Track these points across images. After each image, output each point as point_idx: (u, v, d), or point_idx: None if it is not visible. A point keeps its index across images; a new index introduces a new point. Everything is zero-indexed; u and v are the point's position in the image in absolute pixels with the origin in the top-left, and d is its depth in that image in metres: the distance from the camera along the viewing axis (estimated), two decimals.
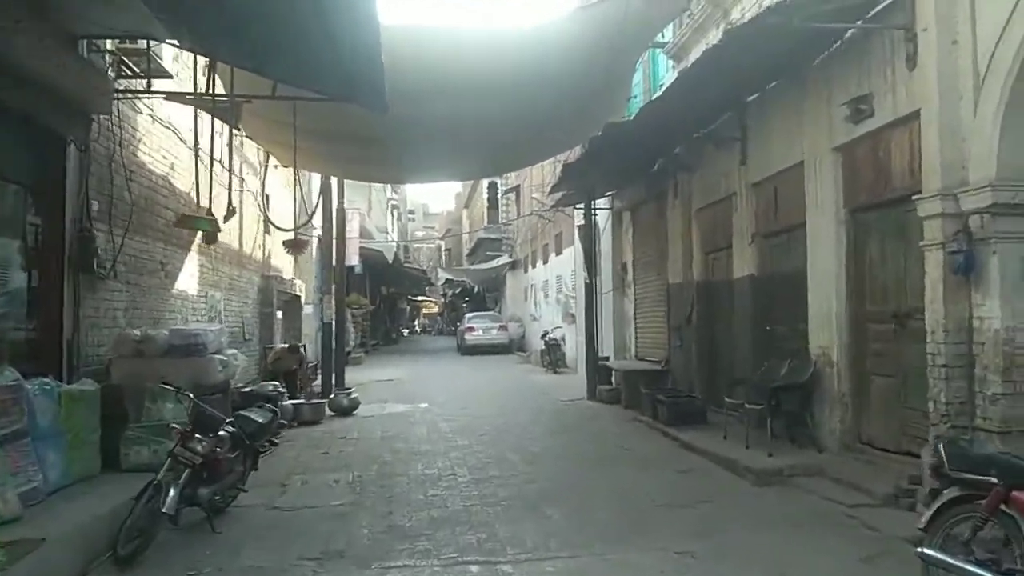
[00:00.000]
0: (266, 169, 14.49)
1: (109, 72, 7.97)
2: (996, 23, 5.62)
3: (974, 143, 5.87)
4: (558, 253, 23.08)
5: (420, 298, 63.40)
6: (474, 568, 5.15)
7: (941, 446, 4.34)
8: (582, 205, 15.62)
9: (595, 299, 15.55)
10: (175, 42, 7.73)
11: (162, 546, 5.54)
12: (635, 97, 13.26)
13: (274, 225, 14.43)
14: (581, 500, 6.94)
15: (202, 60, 8.20)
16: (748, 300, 10.02)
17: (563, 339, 21.43)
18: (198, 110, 8.64)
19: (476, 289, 43.48)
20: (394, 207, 46.63)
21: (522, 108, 8.69)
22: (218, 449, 6.15)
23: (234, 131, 11.23)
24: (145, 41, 7.96)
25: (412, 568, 5.18)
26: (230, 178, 8.26)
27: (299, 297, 18.23)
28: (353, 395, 13.45)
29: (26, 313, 7.02)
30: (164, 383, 6.73)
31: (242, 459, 6.68)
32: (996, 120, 5.65)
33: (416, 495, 7.27)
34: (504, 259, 34.73)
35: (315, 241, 18.63)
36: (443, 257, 63.66)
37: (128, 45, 8.15)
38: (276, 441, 7.90)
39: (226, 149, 8.79)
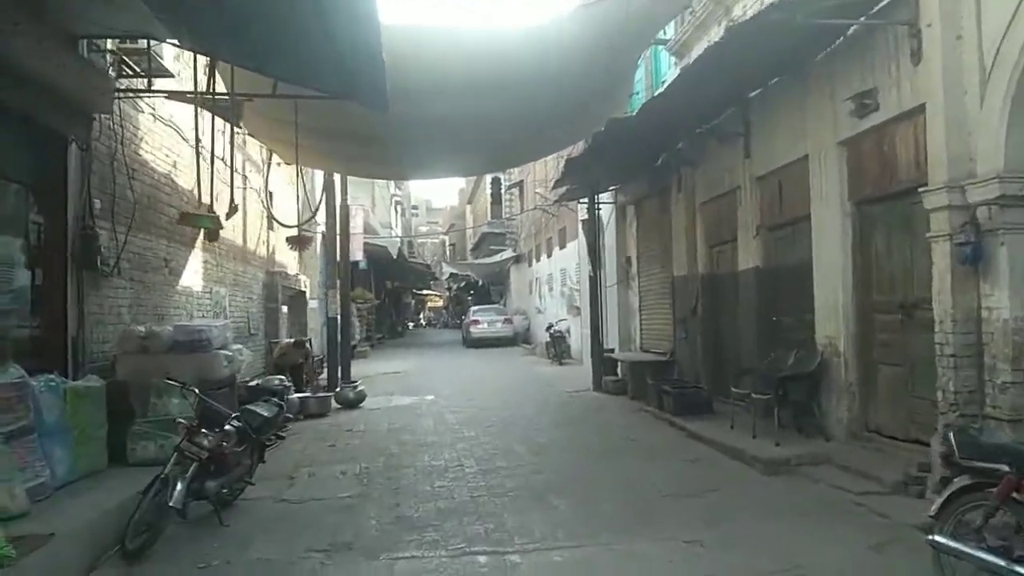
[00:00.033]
0: (269, 166, 14.51)
1: (110, 71, 7.97)
2: (1001, 18, 5.61)
3: (980, 136, 5.85)
4: (562, 247, 23.07)
5: (425, 292, 63.46)
6: (482, 558, 5.14)
7: (951, 434, 4.32)
8: (586, 200, 15.60)
9: (600, 292, 15.54)
10: (175, 42, 7.72)
11: (170, 540, 5.55)
12: (637, 94, 13.22)
13: (278, 222, 14.43)
14: (588, 490, 6.93)
15: (203, 59, 8.18)
16: (753, 292, 10.00)
17: (568, 331, 21.43)
18: (199, 108, 8.63)
19: (481, 283, 43.51)
20: (398, 203, 46.61)
21: (523, 106, 8.66)
22: (224, 443, 6.15)
23: (236, 129, 11.29)
24: (145, 41, 7.95)
25: (420, 559, 5.18)
26: (231, 176, 8.26)
27: (304, 292, 18.24)
28: (359, 388, 13.47)
29: (30, 311, 7.01)
30: (169, 379, 6.74)
31: (249, 453, 6.69)
32: (1003, 113, 5.64)
33: (423, 486, 7.27)
34: (508, 253, 34.73)
35: (319, 237, 18.63)
36: (447, 252, 63.69)
37: (128, 45, 8.14)
38: (283, 434, 7.90)
39: (228, 147, 8.81)
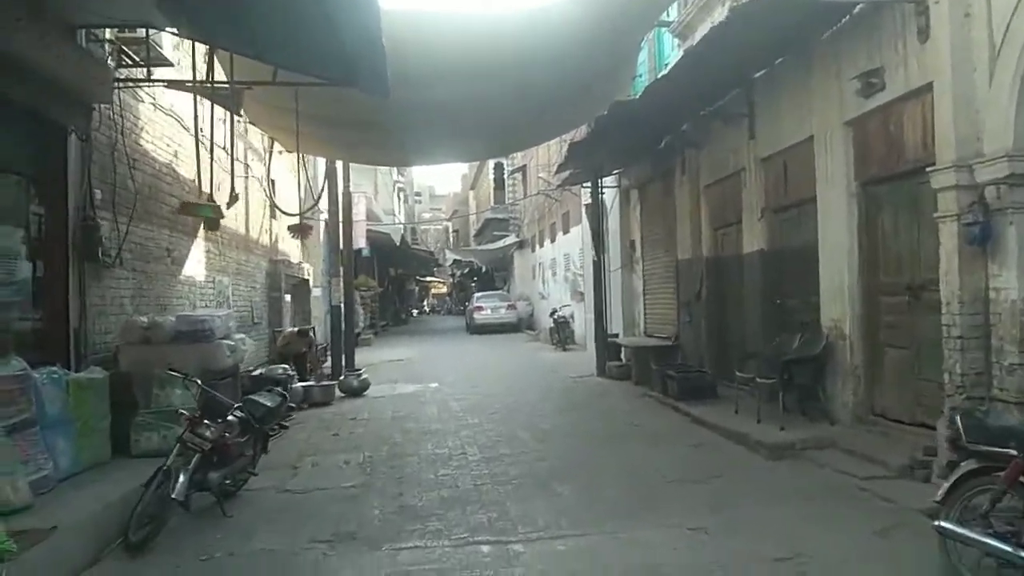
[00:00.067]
0: (271, 155, 14.45)
1: (109, 61, 7.90)
2: None
3: (989, 114, 5.75)
4: (565, 232, 22.98)
5: (428, 279, 63.45)
6: (485, 548, 5.13)
7: (958, 418, 4.28)
8: (589, 184, 15.51)
9: (603, 276, 15.48)
10: (174, 30, 7.65)
11: (173, 531, 5.55)
12: (640, 76, 13.08)
13: (280, 210, 14.41)
14: (592, 477, 6.91)
15: (203, 47, 8.11)
16: (758, 275, 9.93)
17: (572, 317, 21.40)
18: (199, 97, 8.56)
19: (484, 269, 43.45)
20: (400, 190, 46.49)
21: (525, 90, 8.58)
22: (227, 434, 6.14)
23: (237, 118, 11.22)
24: (145, 30, 7.88)
25: (423, 549, 5.16)
26: (232, 164, 8.22)
27: (307, 280, 18.22)
28: (363, 376, 13.48)
29: (32, 303, 6.99)
30: (171, 369, 6.71)
31: (252, 443, 6.68)
32: (1013, 91, 5.53)
33: (427, 475, 7.26)
34: (511, 239, 34.65)
35: (322, 225, 18.59)
36: (450, 238, 63.61)
37: (127, 34, 8.08)
38: (286, 424, 7.92)
39: (229, 136, 8.75)
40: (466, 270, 49.71)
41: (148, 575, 4.94)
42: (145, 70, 8.35)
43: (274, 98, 8.63)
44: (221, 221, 9.50)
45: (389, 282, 40.22)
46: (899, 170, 7.10)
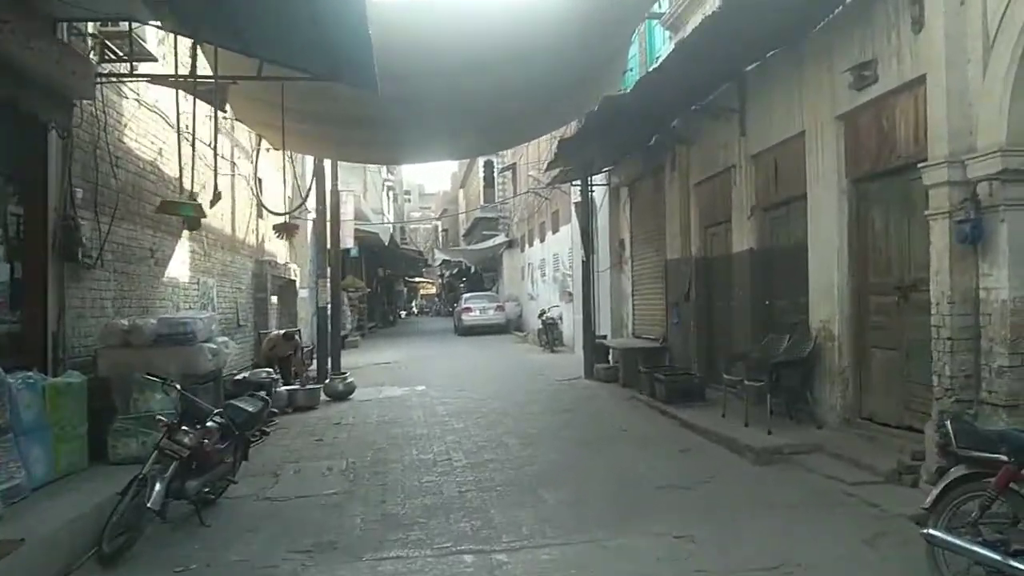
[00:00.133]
0: (258, 152, 14.30)
1: (91, 56, 7.76)
2: None
3: (983, 108, 5.66)
4: (555, 231, 22.90)
5: (417, 279, 63.26)
6: (468, 557, 5.02)
7: (949, 423, 4.22)
8: (579, 182, 15.42)
9: (592, 277, 15.41)
10: (158, 23, 7.51)
11: (150, 540, 5.42)
12: (631, 70, 13.00)
13: (267, 209, 14.25)
14: (578, 483, 6.83)
15: (187, 41, 7.98)
16: (747, 274, 9.87)
17: (560, 318, 21.32)
18: (182, 92, 8.43)
19: (473, 269, 43.33)
20: (389, 188, 46.25)
21: (515, 84, 8.50)
22: (206, 441, 6.00)
23: (224, 115, 11.08)
24: (128, 23, 7.74)
25: (404, 559, 5.05)
26: (216, 161, 8.08)
27: (294, 281, 18.07)
28: (349, 380, 13.33)
29: (8, 305, 6.85)
30: (149, 374, 6.60)
31: (232, 450, 6.55)
32: (1007, 83, 5.44)
33: (411, 482, 7.15)
34: (501, 238, 34.55)
35: (309, 224, 18.44)
36: (440, 238, 63.41)
37: (110, 28, 7.95)
38: (267, 430, 7.79)
39: (213, 132, 8.62)
40: (455, 270, 49.59)
41: None
42: (128, 65, 8.20)
43: (261, 94, 8.52)
44: (207, 221, 9.38)
45: (377, 283, 40.04)
46: (890, 166, 7.04)
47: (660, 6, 11.91)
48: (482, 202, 39.68)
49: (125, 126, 8.72)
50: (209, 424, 6.22)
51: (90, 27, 7.73)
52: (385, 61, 6.15)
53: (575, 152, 13.16)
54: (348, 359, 17.03)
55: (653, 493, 6.42)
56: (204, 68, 7.83)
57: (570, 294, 19.71)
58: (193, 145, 7.64)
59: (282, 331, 14.01)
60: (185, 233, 10.40)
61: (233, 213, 13.42)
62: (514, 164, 30.79)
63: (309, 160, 16.14)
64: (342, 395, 12.89)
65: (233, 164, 13.27)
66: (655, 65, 10.86)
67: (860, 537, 5.03)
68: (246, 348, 13.82)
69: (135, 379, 7.13)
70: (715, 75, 9.51)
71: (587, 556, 4.97)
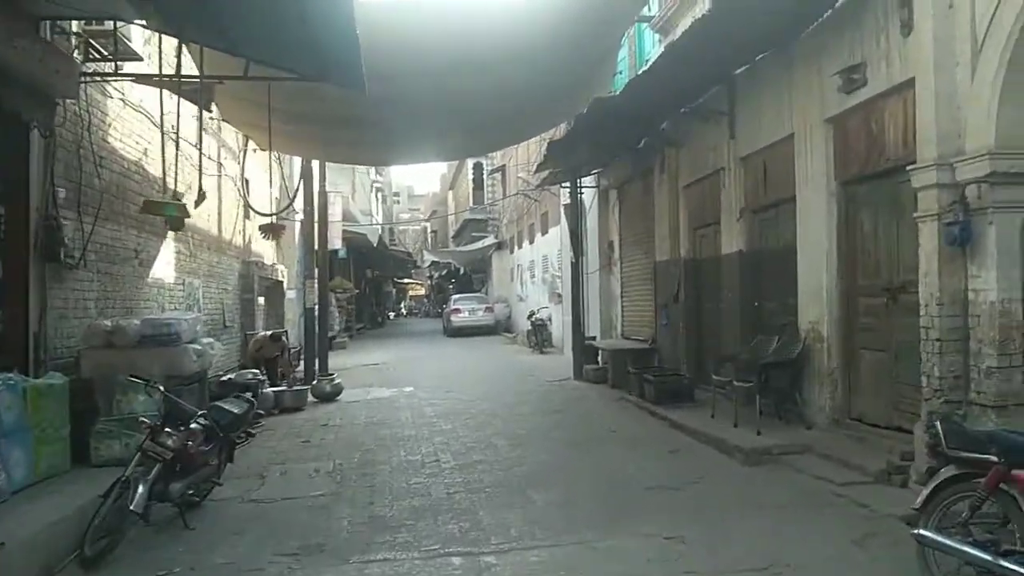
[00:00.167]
0: (245, 153, 14.20)
1: (75, 54, 7.66)
2: None
3: (971, 111, 5.68)
4: (544, 233, 22.88)
5: (406, 281, 63.07)
6: (456, 560, 4.97)
7: (938, 424, 4.21)
8: (568, 184, 15.39)
9: (581, 278, 15.39)
10: (143, 22, 7.43)
11: (133, 544, 5.35)
12: (621, 73, 13.00)
13: (254, 210, 14.14)
14: (568, 484, 6.79)
15: (174, 41, 7.89)
16: (736, 276, 9.87)
17: (549, 319, 21.30)
18: (168, 92, 8.34)
19: (462, 271, 43.25)
20: (378, 190, 46.12)
21: (505, 85, 8.45)
22: (190, 442, 5.92)
23: (211, 115, 10.98)
24: (112, 22, 7.65)
25: (392, 562, 5.00)
26: (200, 161, 7.99)
27: (281, 282, 17.95)
28: (336, 381, 13.24)
29: None
30: (132, 376, 6.51)
31: (217, 452, 6.46)
32: (995, 86, 5.46)
33: (398, 483, 7.09)
34: (490, 240, 34.50)
35: (297, 225, 18.32)
36: (429, 239, 63.28)
37: (95, 27, 7.85)
38: (253, 432, 7.70)
39: (198, 132, 8.52)
40: (444, 272, 49.49)
41: None
42: (113, 64, 8.11)
43: (247, 94, 8.44)
44: (193, 221, 9.29)
45: (366, 284, 39.89)
46: (879, 169, 7.05)
47: (650, 9, 11.91)
48: (471, 204, 39.62)
49: (109, 126, 8.62)
50: (193, 426, 6.14)
51: (74, 26, 7.63)
52: (371, 61, 6.10)
53: (564, 154, 13.14)
54: (336, 360, 16.93)
55: (643, 494, 6.39)
56: (190, 68, 7.75)
57: (559, 295, 19.68)
58: (177, 144, 7.57)
59: (269, 332, 13.90)
60: (171, 234, 10.30)
61: (220, 214, 13.31)
62: (503, 166, 30.76)
63: (297, 161, 16.03)
64: (329, 396, 12.80)
65: (220, 165, 13.16)
66: (645, 67, 10.85)
67: (850, 537, 5.03)
68: (232, 349, 13.70)
69: (118, 380, 7.04)
70: (704, 78, 9.51)
71: (576, 558, 4.93)
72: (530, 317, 21.82)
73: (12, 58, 6.17)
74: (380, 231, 35.21)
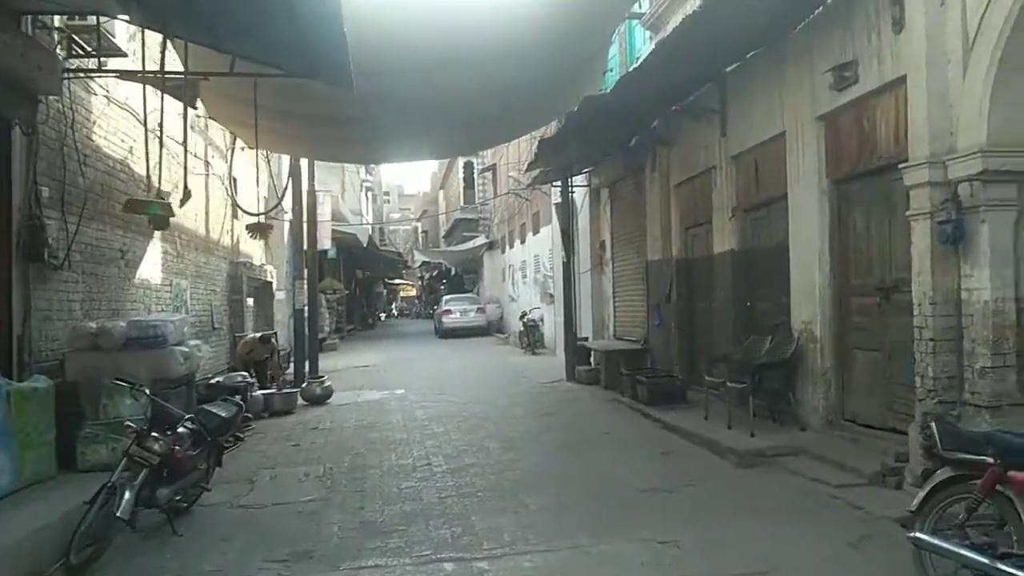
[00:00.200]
0: (233, 152, 14.07)
1: (58, 50, 7.54)
2: None
3: (963, 108, 5.66)
4: (535, 232, 22.83)
5: (397, 281, 62.90)
6: (448, 566, 4.91)
7: (934, 425, 4.16)
8: (559, 183, 15.34)
9: (573, 278, 15.34)
10: (125, 17, 7.32)
11: (120, 550, 5.26)
12: (611, 71, 12.96)
13: (242, 209, 14.03)
14: (561, 488, 6.72)
15: (159, 36, 7.79)
16: (729, 276, 9.83)
17: (541, 320, 21.24)
18: (152, 88, 8.24)
19: (453, 271, 43.19)
20: (368, 189, 45.97)
21: (495, 82, 8.37)
22: (177, 447, 5.83)
23: (197, 113, 10.86)
24: (95, 17, 7.54)
25: (383, 568, 4.93)
26: (186, 159, 7.89)
27: (271, 283, 17.84)
28: (326, 383, 13.14)
29: None
30: (118, 379, 6.41)
31: (205, 456, 6.37)
32: (987, 83, 5.43)
33: (389, 488, 7.01)
34: (481, 240, 34.44)
35: (286, 225, 18.20)
36: (420, 239, 63.17)
37: (78, 22, 7.75)
38: (242, 435, 7.60)
39: (183, 129, 8.42)
40: (435, 272, 49.42)
41: None
42: (96, 60, 8.00)
43: (233, 91, 8.35)
44: (180, 221, 9.18)
45: (356, 285, 39.75)
46: (871, 167, 7.02)
47: (640, 6, 11.88)
48: (462, 203, 39.55)
49: (94, 123, 8.51)
50: (180, 430, 6.05)
51: (57, 20, 7.53)
52: (358, 57, 6.03)
53: (555, 152, 13.09)
54: (326, 362, 16.81)
55: (636, 497, 6.33)
56: (176, 64, 7.65)
57: (551, 296, 19.65)
58: (161, 142, 7.47)
59: (258, 334, 13.79)
60: (157, 234, 10.19)
61: (207, 213, 13.20)
62: (494, 165, 30.70)
63: (286, 159, 15.93)
64: (320, 399, 12.70)
65: (207, 163, 13.05)
66: (635, 65, 10.80)
67: (845, 540, 4.99)
68: (221, 351, 13.60)
69: (104, 384, 6.95)
70: (695, 75, 9.47)
71: (570, 563, 4.88)
72: (522, 318, 21.76)
73: None
74: (370, 231, 35.13)
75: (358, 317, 39.17)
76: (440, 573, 4.80)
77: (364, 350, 24.33)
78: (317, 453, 8.69)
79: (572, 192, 15.47)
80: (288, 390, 12.54)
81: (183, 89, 7.72)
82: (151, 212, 7.25)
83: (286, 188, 14.29)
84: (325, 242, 20.52)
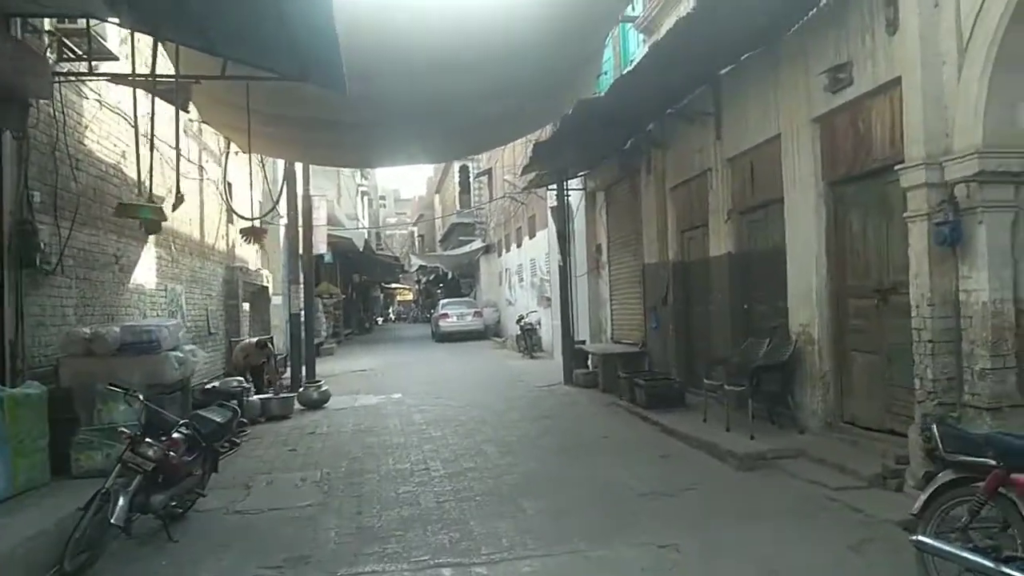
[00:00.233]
0: (227, 156, 14.00)
1: (48, 54, 7.49)
2: None
3: (959, 109, 5.65)
4: (531, 236, 22.81)
5: (394, 285, 62.84)
6: (446, 571, 4.86)
7: (935, 427, 4.14)
8: (555, 186, 15.32)
9: (570, 282, 15.31)
10: (116, 20, 7.28)
11: (115, 557, 5.21)
12: (606, 74, 12.95)
13: (236, 213, 13.96)
14: (559, 492, 6.68)
15: (150, 39, 7.74)
16: (726, 278, 9.81)
17: (538, 323, 21.20)
18: (143, 91, 8.18)
19: (450, 275, 43.10)
20: (364, 193, 45.86)
21: (487, 86, 8.36)
22: (171, 452, 5.78)
23: (190, 117, 10.81)
24: (86, 20, 7.49)
25: (381, 574, 4.88)
26: (178, 163, 7.84)
27: (266, 288, 17.75)
28: (323, 388, 13.09)
29: None
30: (111, 384, 6.36)
31: (200, 462, 6.33)
32: (982, 84, 5.42)
33: (387, 492, 6.96)
34: (477, 243, 34.40)
35: (282, 230, 18.14)
36: (416, 243, 63.11)
37: (68, 25, 7.70)
38: (238, 441, 7.56)
39: (179, 134, 8.37)
40: (432, 276, 49.33)
41: None
42: (87, 64, 7.95)
43: (225, 95, 8.31)
44: (175, 226, 9.12)
45: (353, 289, 39.68)
46: (867, 169, 7.00)
47: (634, 8, 11.87)
48: (458, 207, 39.52)
49: (86, 127, 8.47)
50: (175, 435, 6.01)
51: (47, 23, 7.49)
52: (351, 60, 6.01)
53: (550, 156, 13.06)
54: (323, 367, 16.76)
55: (636, 501, 6.29)
56: (167, 67, 7.61)
57: (548, 299, 19.61)
58: (152, 146, 7.43)
59: (255, 339, 13.72)
60: (152, 238, 10.14)
61: (202, 218, 13.14)
62: (490, 169, 30.69)
63: (281, 164, 15.88)
64: (316, 404, 12.64)
65: (201, 168, 12.99)
66: (629, 68, 10.79)
67: (846, 543, 4.96)
68: (217, 357, 13.53)
69: (98, 389, 6.93)
70: (690, 78, 9.45)
71: (569, 568, 4.84)
72: (519, 322, 21.72)
73: None
74: (367, 235, 35.06)
75: (355, 321, 39.09)
76: None
77: (361, 354, 24.26)
78: (314, 458, 8.63)
79: (568, 195, 15.45)
80: (285, 395, 12.48)
81: (175, 93, 7.68)
82: (142, 216, 7.19)
83: (281, 192, 14.23)
84: (321, 246, 20.45)
